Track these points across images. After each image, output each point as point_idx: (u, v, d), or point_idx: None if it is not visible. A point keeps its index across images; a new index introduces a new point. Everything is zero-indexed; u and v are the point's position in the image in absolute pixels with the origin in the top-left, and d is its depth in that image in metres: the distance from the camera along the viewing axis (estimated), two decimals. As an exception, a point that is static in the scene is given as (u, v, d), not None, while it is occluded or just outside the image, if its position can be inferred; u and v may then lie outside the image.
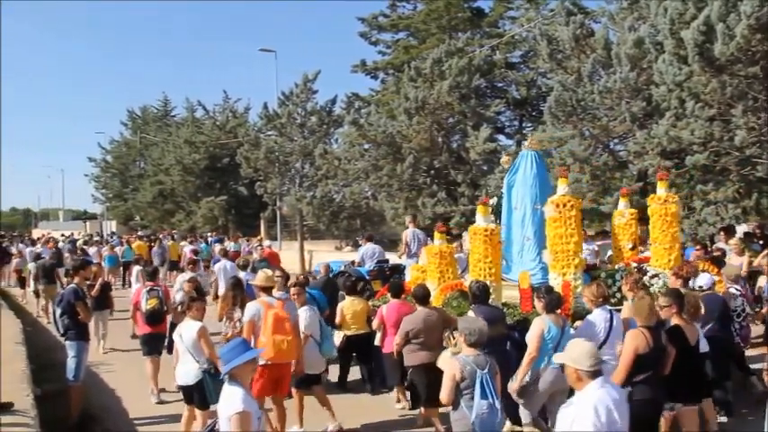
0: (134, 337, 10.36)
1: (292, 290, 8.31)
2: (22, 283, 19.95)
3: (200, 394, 7.09)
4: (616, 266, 9.76)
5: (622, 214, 10.30)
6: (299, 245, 29.07)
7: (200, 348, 7.17)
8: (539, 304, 6.66)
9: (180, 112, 49.51)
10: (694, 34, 12.52)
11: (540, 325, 6.36)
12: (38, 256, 18.26)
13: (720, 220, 13.72)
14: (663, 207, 9.31)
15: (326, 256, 21.51)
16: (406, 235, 13.99)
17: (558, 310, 6.67)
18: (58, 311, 8.61)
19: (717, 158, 13.79)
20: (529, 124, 30.73)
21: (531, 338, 6.35)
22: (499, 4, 32.33)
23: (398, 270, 12.83)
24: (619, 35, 16.62)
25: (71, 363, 8.33)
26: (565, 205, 8.39)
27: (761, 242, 13.39)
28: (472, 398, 5.24)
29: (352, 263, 14.77)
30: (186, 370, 7.15)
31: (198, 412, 7.21)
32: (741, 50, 12.27)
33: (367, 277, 12.17)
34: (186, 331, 7.25)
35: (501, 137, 29.11)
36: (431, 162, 22.08)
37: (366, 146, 23.13)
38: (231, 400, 4.15)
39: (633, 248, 10.03)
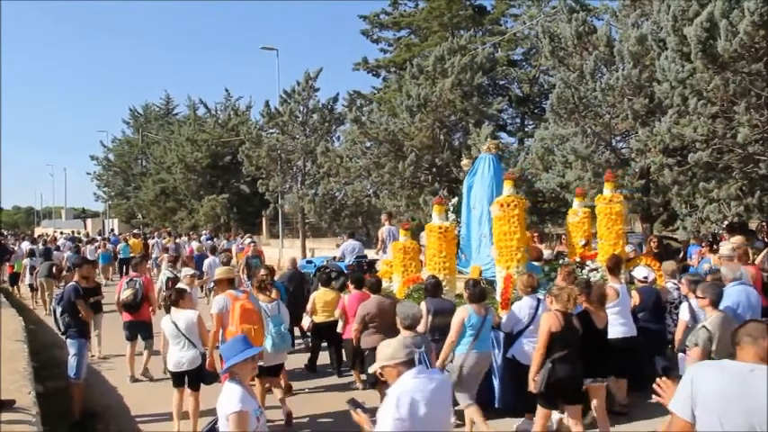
0: None
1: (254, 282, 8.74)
2: (14, 279, 19.92)
3: (209, 374, 7.54)
4: (560, 261, 10.60)
5: (576, 213, 10.76)
6: (300, 242, 29.10)
7: (198, 334, 7.62)
8: (465, 295, 7.37)
9: (182, 110, 49.78)
10: (697, 31, 12.48)
11: (462, 313, 7.03)
12: (32, 252, 18.96)
13: (723, 217, 13.68)
14: (608, 206, 10.03)
15: (328, 253, 21.52)
16: (382, 232, 14.67)
17: (483, 301, 7.32)
18: (59, 310, 8.61)
19: (719, 156, 13.75)
20: (531, 122, 30.70)
21: (453, 325, 6.99)
22: (501, 2, 32.27)
23: (374, 265, 13.12)
24: (621, 32, 16.58)
25: (72, 361, 8.34)
26: (509, 205, 8.94)
27: (765, 239, 13.34)
28: None
29: (334, 258, 15.48)
30: (189, 356, 7.54)
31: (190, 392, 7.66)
32: (744, 47, 12.23)
33: (346, 271, 12.66)
34: (183, 320, 7.62)
35: (503, 134, 29.11)
36: (432, 160, 22.06)
37: (368, 144, 23.12)
38: (229, 398, 4.13)
39: (586, 245, 10.45)
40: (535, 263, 9.71)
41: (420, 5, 33.32)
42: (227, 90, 42.24)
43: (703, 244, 12.95)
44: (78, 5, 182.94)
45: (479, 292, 7.22)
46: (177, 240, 28.04)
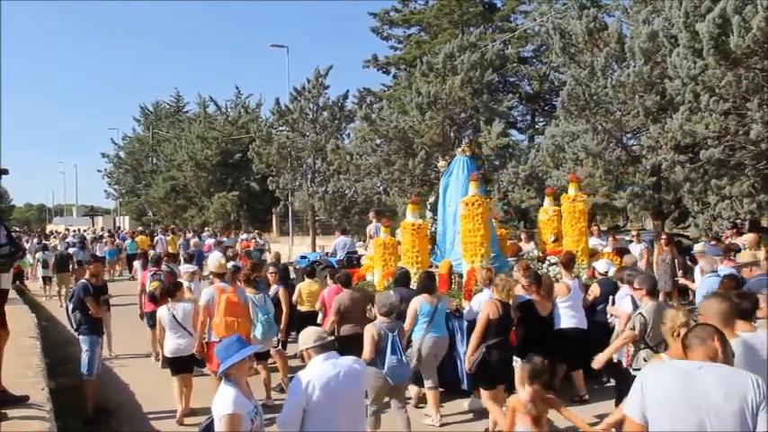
0: (141, 316, 11.67)
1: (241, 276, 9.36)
2: (18, 277, 20.09)
3: (193, 360, 8.31)
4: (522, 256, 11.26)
5: (546, 211, 11.50)
6: (310, 240, 29.15)
7: (194, 324, 8.27)
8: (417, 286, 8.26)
9: (192, 107, 49.77)
10: (710, 27, 12.42)
11: (415, 304, 7.68)
12: (45, 248, 20.38)
13: (735, 214, 13.61)
14: (572, 205, 10.75)
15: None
16: (370, 229, 15.16)
17: (433, 292, 7.90)
18: (71, 307, 8.70)
19: (732, 153, 13.68)
20: (541, 119, 30.57)
21: (407, 315, 7.63)
22: (511, -2, 32.14)
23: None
24: (632, 29, 16.51)
25: (84, 357, 8.40)
26: (473, 204, 9.59)
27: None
28: (385, 355, 6.53)
29: (326, 253, 16.14)
30: (185, 343, 8.22)
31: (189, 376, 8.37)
32: (757, 43, 12.18)
33: (335, 266, 13.21)
34: (180, 310, 8.36)
35: (513, 132, 28.91)
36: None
37: (378, 141, 23.13)
38: (223, 401, 4.15)
39: (555, 241, 11.06)
40: (511, 258, 10.54)
41: (430, 3, 33.18)
42: (237, 88, 42.35)
43: (713, 242, 12.90)
44: (86, 6, 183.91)
45: (429, 285, 7.86)
46: (187, 236, 28.26)
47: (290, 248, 28.75)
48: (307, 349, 4.46)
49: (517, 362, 7.08)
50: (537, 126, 30.13)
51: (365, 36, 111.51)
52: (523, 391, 5.27)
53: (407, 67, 31.27)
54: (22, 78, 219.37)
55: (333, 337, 8.19)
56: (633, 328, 6.47)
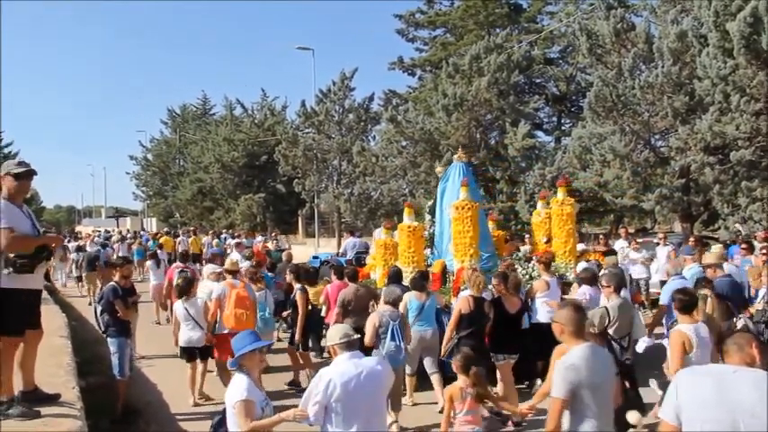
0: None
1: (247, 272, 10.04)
2: (46, 277, 20.66)
3: (209, 349, 8.96)
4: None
5: (539, 214, 12.18)
6: (336, 241, 29.22)
7: (204, 318, 8.87)
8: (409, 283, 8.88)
9: (219, 110, 50.14)
10: (741, 26, 12.27)
11: (404, 299, 8.22)
12: (80, 248, 21.10)
13: (767, 217, 13.40)
14: (560, 208, 11.37)
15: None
16: (376, 233, 15.50)
17: (424, 289, 8.47)
18: (99, 309, 8.83)
19: (763, 154, 13.50)
20: (568, 120, 30.34)
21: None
22: (537, 0, 31.96)
23: None
24: (660, 29, 16.34)
25: (114, 359, 8.51)
26: (463, 208, 10.27)
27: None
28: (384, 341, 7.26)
29: (337, 254, 16.87)
30: (197, 336, 8.84)
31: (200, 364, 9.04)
32: (789, 42, 11.99)
33: (345, 265, 13.50)
34: (193, 306, 8.97)
35: (539, 133, 28.70)
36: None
37: (404, 143, 23.15)
38: (236, 388, 4.42)
39: (548, 242, 11.65)
40: (507, 258, 11.07)
41: (455, 4, 33.05)
42: (263, 90, 42.62)
43: (743, 245, 12.71)
44: (116, 5, 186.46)
45: (419, 283, 8.43)
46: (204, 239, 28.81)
47: (316, 250, 28.82)
48: (333, 345, 4.59)
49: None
50: (563, 127, 29.91)
51: (390, 38, 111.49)
52: (460, 380, 5.79)
53: (433, 68, 31.24)
54: (54, 84, 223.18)
55: (359, 336, 8.33)
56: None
